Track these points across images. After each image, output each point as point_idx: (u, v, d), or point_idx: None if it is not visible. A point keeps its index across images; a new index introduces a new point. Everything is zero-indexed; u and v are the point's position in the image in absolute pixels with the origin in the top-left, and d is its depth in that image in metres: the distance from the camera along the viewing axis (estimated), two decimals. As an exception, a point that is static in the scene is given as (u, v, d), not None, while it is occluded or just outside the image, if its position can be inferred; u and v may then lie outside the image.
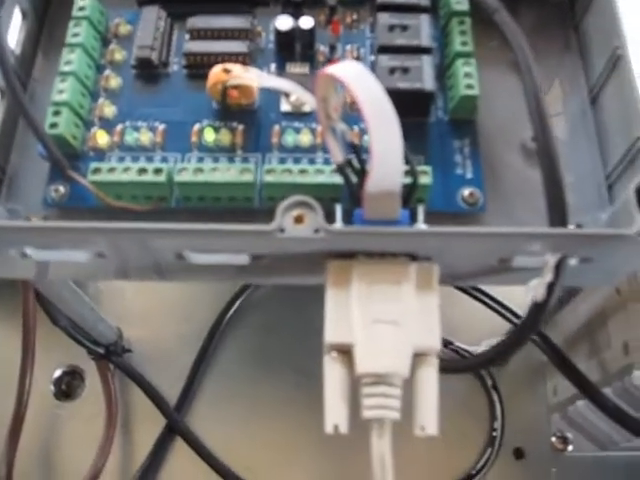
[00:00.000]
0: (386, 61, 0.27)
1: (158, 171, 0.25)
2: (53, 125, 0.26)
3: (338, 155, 0.23)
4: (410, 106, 0.26)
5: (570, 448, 0.38)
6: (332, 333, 0.22)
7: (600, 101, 0.28)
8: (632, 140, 0.25)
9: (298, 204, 0.22)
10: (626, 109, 0.25)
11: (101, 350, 0.37)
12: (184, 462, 0.38)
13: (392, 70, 0.26)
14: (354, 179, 0.24)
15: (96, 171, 0.25)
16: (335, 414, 0.22)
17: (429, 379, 0.22)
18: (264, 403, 0.40)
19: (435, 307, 0.22)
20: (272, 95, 0.28)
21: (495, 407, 0.39)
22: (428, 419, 0.22)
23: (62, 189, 0.26)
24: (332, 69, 0.22)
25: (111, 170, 0.25)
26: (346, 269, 0.23)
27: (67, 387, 0.40)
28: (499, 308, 0.36)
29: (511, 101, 0.28)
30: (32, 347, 0.35)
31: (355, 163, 0.24)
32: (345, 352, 0.22)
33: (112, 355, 0.38)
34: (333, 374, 0.22)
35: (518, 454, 0.39)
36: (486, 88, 0.27)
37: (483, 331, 0.39)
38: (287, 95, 0.27)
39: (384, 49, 0.27)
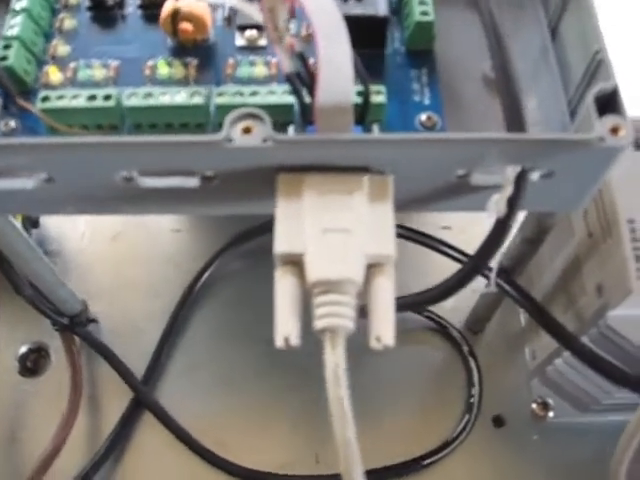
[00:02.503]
0: (341, -10, 0.26)
1: (107, 97, 0.24)
2: (3, 58, 0.25)
3: (287, 65, 0.23)
4: (366, 35, 0.26)
5: (551, 415, 0.37)
6: (281, 243, 0.21)
7: (559, 31, 0.28)
8: (590, 55, 0.24)
9: (246, 115, 0.21)
10: (583, 29, 0.25)
11: (65, 321, 0.36)
12: (153, 436, 0.37)
13: (346, -2, 0.26)
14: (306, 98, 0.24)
15: (45, 99, 0.24)
16: (285, 326, 0.21)
17: (384, 288, 0.21)
18: (235, 376, 0.38)
19: (390, 217, 0.22)
20: (227, 31, 0.27)
21: (472, 374, 0.38)
22: (384, 329, 0.21)
23: (12, 123, 0.26)
24: (277, -25, 0.22)
25: (60, 97, 0.24)
26: (297, 182, 0.22)
27: (32, 364, 0.39)
28: (454, 253, 0.36)
29: (471, 36, 0.27)
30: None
31: (305, 76, 0.23)
32: (296, 263, 0.21)
33: (77, 326, 0.37)
34: (283, 286, 0.21)
35: (498, 422, 0.38)
36: (445, 24, 0.27)
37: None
38: (242, 30, 0.27)
39: (339, -21, 0.27)
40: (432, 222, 0.42)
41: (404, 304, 0.30)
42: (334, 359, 0.21)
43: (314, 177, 0.22)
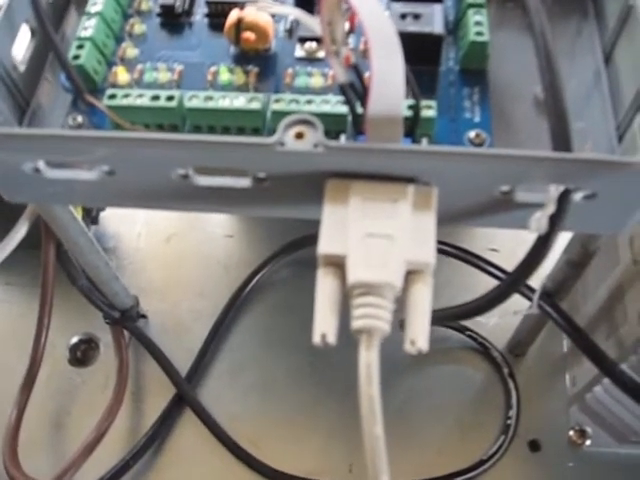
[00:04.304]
0: (398, 8, 0.27)
1: (170, 98, 0.26)
2: (76, 57, 0.27)
3: (341, 75, 0.24)
4: (421, 52, 0.27)
5: (588, 443, 0.37)
6: (325, 244, 0.22)
7: (613, 58, 0.28)
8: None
9: (300, 121, 0.22)
10: (635, 56, 0.25)
11: (116, 314, 0.38)
12: (191, 433, 0.38)
13: (404, 15, 0.27)
14: (359, 109, 0.24)
15: (112, 97, 0.26)
16: (323, 323, 0.21)
17: (422, 295, 0.22)
18: (274, 381, 0.39)
19: (432, 227, 0.22)
20: (288, 42, 0.28)
21: (511, 395, 0.38)
22: (419, 333, 0.21)
23: (80, 118, 0.27)
24: (336, -12, 0.23)
25: (126, 96, 0.26)
26: (345, 188, 0.23)
27: (82, 354, 0.41)
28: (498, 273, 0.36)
29: (525, 58, 0.28)
30: (50, 301, 0.35)
31: (358, 87, 0.24)
32: (338, 265, 0.22)
33: (127, 320, 0.38)
34: (324, 286, 0.22)
35: (534, 446, 0.38)
36: (501, 45, 0.28)
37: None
38: (302, 41, 0.28)
39: (398, -3, 0.28)
40: (480, 244, 0.42)
41: (442, 316, 0.31)
42: (368, 359, 0.21)
43: (361, 184, 0.23)
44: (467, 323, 0.39)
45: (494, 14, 0.29)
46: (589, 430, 0.37)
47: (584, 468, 0.37)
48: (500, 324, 0.39)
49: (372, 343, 0.21)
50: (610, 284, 0.33)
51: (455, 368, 0.40)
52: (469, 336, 0.39)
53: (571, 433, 0.37)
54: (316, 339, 0.21)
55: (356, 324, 0.21)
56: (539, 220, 0.23)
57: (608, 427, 0.35)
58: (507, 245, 0.42)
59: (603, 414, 0.35)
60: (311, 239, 0.43)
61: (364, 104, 0.24)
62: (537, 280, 0.32)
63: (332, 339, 0.21)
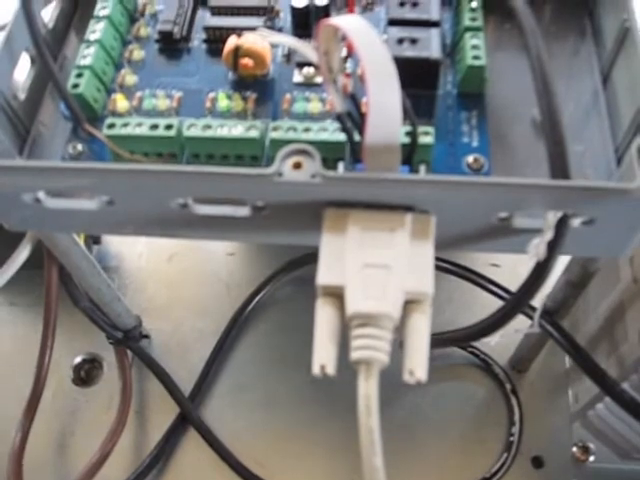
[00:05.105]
0: (395, 32, 0.27)
1: (169, 127, 0.26)
2: (75, 86, 0.27)
3: (339, 105, 0.24)
4: (418, 76, 0.27)
5: (591, 459, 0.37)
6: (324, 275, 0.22)
7: (611, 78, 0.28)
8: (638, 105, 0.25)
9: (298, 152, 0.22)
10: (633, 78, 0.25)
11: (119, 335, 0.38)
12: (195, 452, 0.38)
13: (401, 40, 0.27)
14: (356, 136, 0.25)
15: (111, 126, 0.26)
16: (323, 355, 0.22)
17: (420, 325, 0.22)
18: (277, 399, 0.39)
19: (430, 256, 0.22)
20: (286, 68, 0.29)
21: (514, 412, 0.38)
22: (417, 364, 0.21)
23: (80, 147, 0.27)
24: (333, 19, 0.23)
25: (125, 125, 0.26)
26: (343, 217, 0.23)
27: (86, 374, 0.41)
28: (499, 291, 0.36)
29: (522, 80, 0.28)
30: (53, 322, 0.36)
31: (355, 115, 0.24)
32: (337, 295, 0.22)
33: (130, 341, 0.38)
34: (324, 316, 0.22)
35: (537, 463, 0.38)
36: (498, 67, 0.28)
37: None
38: (300, 67, 0.28)
39: (394, 22, 0.28)
40: (482, 260, 0.43)
41: (444, 340, 0.31)
42: (366, 390, 0.21)
43: (359, 213, 0.23)
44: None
45: (492, 36, 0.29)
46: (592, 446, 0.37)
47: (588, 484, 0.37)
48: (502, 341, 0.39)
49: (371, 374, 0.21)
50: (611, 302, 0.33)
51: (458, 384, 0.40)
52: (471, 352, 0.40)
53: (574, 449, 0.37)
54: (315, 370, 0.22)
55: (355, 355, 0.21)
56: (537, 246, 0.23)
57: (611, 444, 0.35)
58: (508, 261, 0.42)
59: (605, 431, 0.35)
60: (311, 257, 0.44)
61: (361, 132, 0.24)
62: (538, 299, 0.32)
63: (331, 370, 0.21)
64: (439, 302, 0.41)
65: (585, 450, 0.37)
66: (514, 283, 0.37)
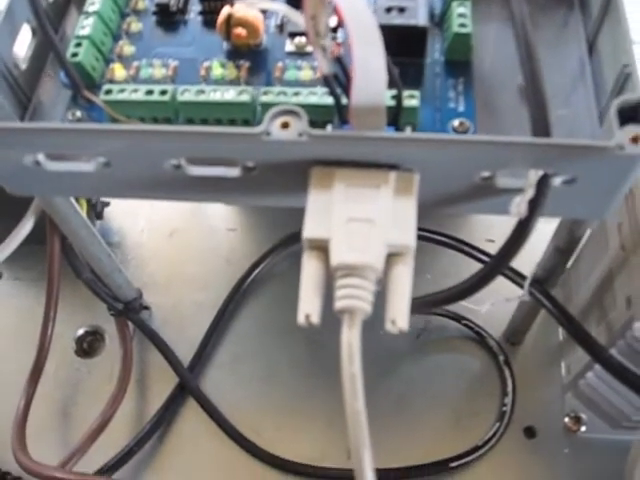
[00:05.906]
0: (384, 1, 0.28)
1: (163, 92, 0.27)
2: (74, 55, 0.28)
3: (325, 67, 0.25)
4: (406, 44, 0.28)
5: (583, 429, 0.37)
6: (310, 229, 0.23)
7: (596, 45, 0.29)
8: (619, 69, 0.25)
9: (285, 112, 0.23)
10: (615, 43, 0.26)
11: (120, 306, 0.39)
12: (193, 420, 0.39)
13: (389, 9, 0.28)
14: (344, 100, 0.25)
15: (108, 92, 0.27)
16: (308, 304, 0.22)
17: (402, 276, 0.22)
18: (276, 370, 0.40)
19: (412, 212, 0.23)
20: (278, 38, 0.29)
21: (507, 383, 0.39)
22: (399, 313, 0.22)
23: (78, 113, 0.28)
24: (318, -17, 0.23)
25: (121, 91, 0.27)
26: (329, 174, 0.24)
27: (88, 346, 0.42)
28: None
29: (510, 50, 0.28)
30: (56, 294, 0.37)
31: (342, 79, 0.25)
32: (322, 249, 0.23)
33: (130, 312, 0.39)
34: (309, 269, 0.23)
35: (529, 433, 0.38)
36: (486, 36, 0.29)
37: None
38: (292, 36, 0.29)
39: (383, -9, 0.28)
40: (477, 235, 0.43)
41: (426, 302, 0.31)
42: (350, 338, 0.22)
43: (345, 171, 0.24)
44: (463, 312, 0.40)
45: (480, 6, 0.30)
46: (584, 416, 0.37)
47: (580, 454, 0.37)
48: (496, 313, 0.39)
49: (354, 322, 0.22)
50: (600, 271, 0.33)
51: (452, 357, 0.40)
52: (465, 325, 0.40)
53: (566, 420, 0.38)
54: (300, 319, 0.22)
55: (339, 304, 0.22)
56: (519, 205, 0.24)
57: (602, 413, 0.36)
58: (504, 236, 0.43)
59: (596, 400, 0.35)
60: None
61: (348, 94, 0.24)
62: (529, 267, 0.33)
63: (316, 319, 0.22)
64: (435, 276, 0.42)
65: (577, 420, 0.38)
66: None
